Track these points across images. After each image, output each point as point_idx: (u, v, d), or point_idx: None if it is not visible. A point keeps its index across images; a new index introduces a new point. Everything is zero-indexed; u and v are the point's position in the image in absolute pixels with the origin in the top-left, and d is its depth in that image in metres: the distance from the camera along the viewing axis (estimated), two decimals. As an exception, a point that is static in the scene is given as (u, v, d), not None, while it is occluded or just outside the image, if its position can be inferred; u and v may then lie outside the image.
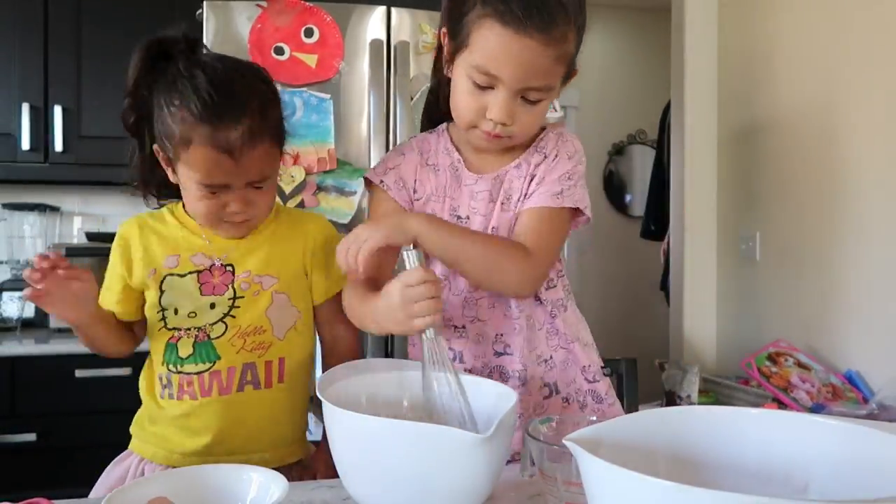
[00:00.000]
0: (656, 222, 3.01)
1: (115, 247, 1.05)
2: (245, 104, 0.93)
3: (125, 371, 2.06)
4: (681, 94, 2.51)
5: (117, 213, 2.64)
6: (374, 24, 1.97)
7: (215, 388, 1.00)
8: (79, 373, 2.04)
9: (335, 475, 0.98)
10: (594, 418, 0.83)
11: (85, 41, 2.28)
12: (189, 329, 1.00)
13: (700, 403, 2.10)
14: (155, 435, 1.03)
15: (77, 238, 2.61)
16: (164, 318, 1.01)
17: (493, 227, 0.98)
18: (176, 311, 1.00)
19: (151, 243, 1.03)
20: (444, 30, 0.95)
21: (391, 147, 1.95)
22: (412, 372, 0.91)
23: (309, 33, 1.91)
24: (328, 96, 1.91)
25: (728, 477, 0.65)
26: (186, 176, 0.95)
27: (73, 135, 2.28)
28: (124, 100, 0.99)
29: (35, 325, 2.32)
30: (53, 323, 2.22)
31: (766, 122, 2.28)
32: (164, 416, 1.02)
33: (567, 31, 0.87)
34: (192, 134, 0.91)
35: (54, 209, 2.58)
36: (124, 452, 1.07)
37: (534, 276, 0.95)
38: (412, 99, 1.96)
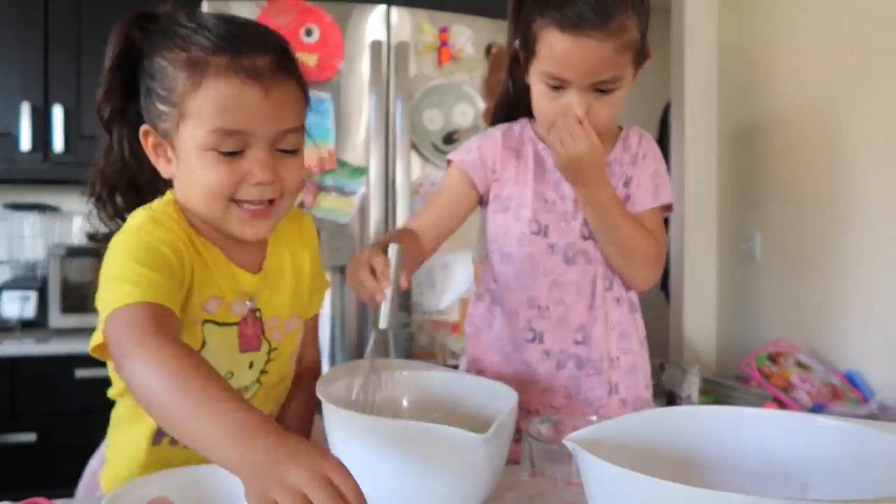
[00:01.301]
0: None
1: (174, 245, 0.75)
2: (266, 38, 0.77)
3: (125, 371, 2.06)
4: (681, 94, 2.51)
5: (117, 213, 2.64)
6: (374, 24, 1.97)
7: None
8: (79, 373, 2.04)
9: None
10: (594, 418, 0.83)
11: (85, 41, 2.27)
12: None
13: (700, 403, 2.10)
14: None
15: (77, 238, 2.60)
16: None
17: (586, 218, 1.05)
18: None
19: (199, 272, 0.78)
20: (517, 42, 1.00)
21: (391, 147, 1.95)
22: (412, 372, 0.92)
23: (309, 33, 1.91)
24: (328, 96, 1.91)
25: (728, 477, 0.65)
26: (193, 139, 0.73)
27: (73, 135, 2.28)
28: (101, 87, 0.81)
29: (35, 325, 2.32)
30: (53, 323, 2.22)
31: (766, 122, 2.28)
32: (160, 463, 0.80)
33: (624, 21, 0.91)
34: (206, 69, 0.72)
35: (54, 209, 2.58)
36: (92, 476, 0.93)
37: (660, 272, 1.06)
38: (412, 99, 1.96)
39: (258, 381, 0.85)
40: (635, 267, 1.04)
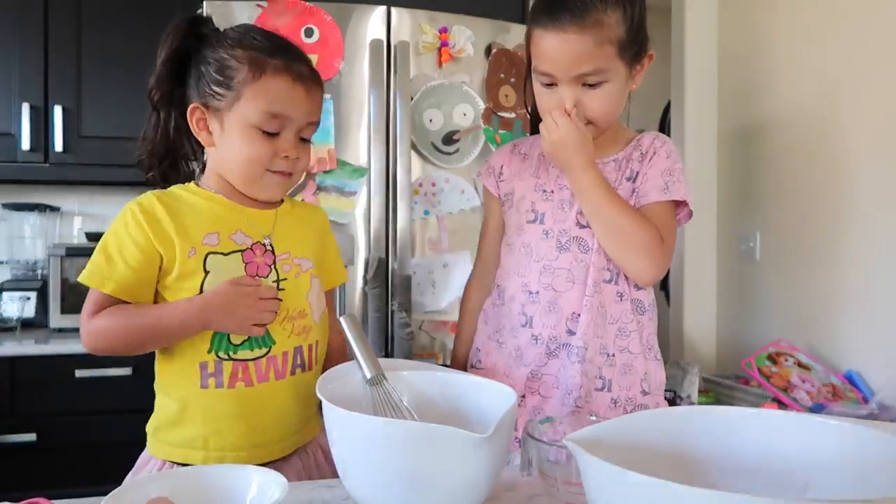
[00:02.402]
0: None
1: (134, 219, 0.95)
2: (303, 53, 1.00)
3: (125, 371, 2.06)
4: (681, 94, 2.51)
5: (117, 213, 2.64)
6: (374, 24, 1.97)
7: (272, 374, 0.97)
8: (79, 373, 2.04)
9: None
10: (594, 418, 0.83)
11: (85, 41, 2.28)
12: None
13: (700, 403, 2.10)
14: (188, 438, 0.96)
15: (77, 238, 2.61)
16: None
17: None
18: None
19: (185, 217, 0.96)
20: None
21: (391, 147, 1.95)
22: (412, 372, 0.92)
23: (309, 33, 1.91)
24: (328, 96, 1.91)
25: (728, 477, 0.65)
26: (245, 117, 0.94)
27: (73, 135, 2.28)
28: (153, 75, 0.99)
29: (35, 325, 2.32)
30: (53, 323, 2.22)
31: (766, 122, 2.28)
32: (205, 409, 0.95)
33: (601, 17, 0.96)
34: (265, 67, 0.94)
35: (54, 209, 2.58)
36: (142, 459, 1.00)
37: (661, 265, 1.04)
38: (412, 99, 1.96)
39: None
40: (628, 255, 1.03)
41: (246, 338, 0.96)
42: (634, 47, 1.02)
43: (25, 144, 2.22)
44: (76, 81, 2.28)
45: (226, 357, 0.95)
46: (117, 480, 0.71)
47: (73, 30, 2.27)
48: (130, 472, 0.99)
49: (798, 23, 2.15)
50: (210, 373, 0.95)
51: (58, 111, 2.25)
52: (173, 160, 1.04)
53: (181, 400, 0.96)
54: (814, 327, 2.07)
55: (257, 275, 0.97)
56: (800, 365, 1.97)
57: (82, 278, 0.94)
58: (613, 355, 1.07)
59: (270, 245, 1.00)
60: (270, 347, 0.97)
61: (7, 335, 2.20)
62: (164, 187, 1.02)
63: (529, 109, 1.18)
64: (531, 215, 1.10)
